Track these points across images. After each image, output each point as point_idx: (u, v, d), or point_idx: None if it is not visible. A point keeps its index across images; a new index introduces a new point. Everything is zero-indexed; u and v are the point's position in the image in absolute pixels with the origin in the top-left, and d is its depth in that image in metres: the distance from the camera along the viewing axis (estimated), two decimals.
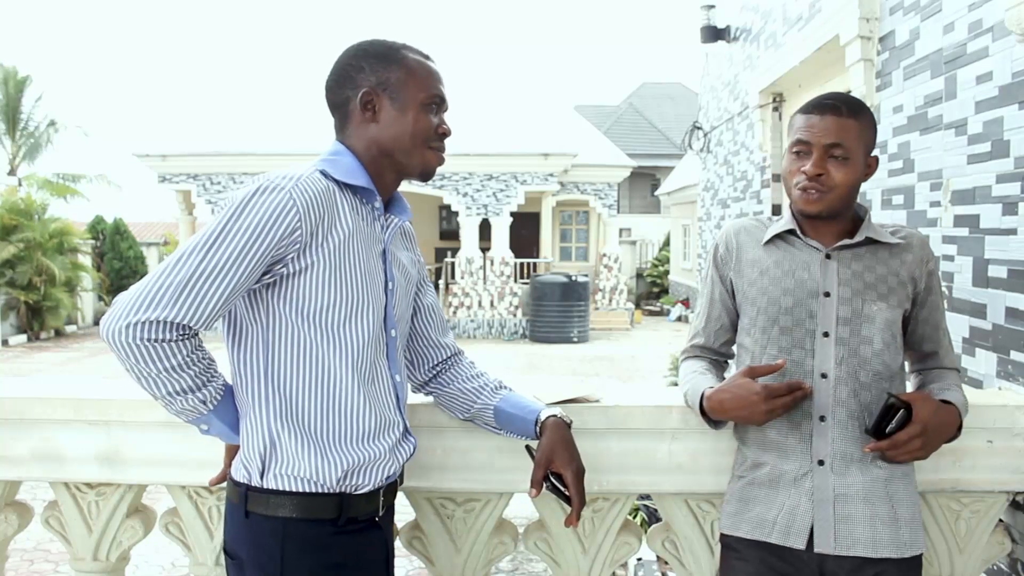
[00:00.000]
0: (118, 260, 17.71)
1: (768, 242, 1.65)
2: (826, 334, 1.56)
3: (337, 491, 1.38)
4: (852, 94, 3.51)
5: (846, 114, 1.52)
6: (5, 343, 13.99)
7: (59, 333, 15.37)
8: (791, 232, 1.63)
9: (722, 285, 1.72)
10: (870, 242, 1.60)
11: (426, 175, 1.47)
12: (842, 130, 1.51)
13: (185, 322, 1.25)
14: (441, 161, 1.48)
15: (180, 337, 1.26)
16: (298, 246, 1.30)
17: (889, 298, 1.57)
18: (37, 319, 14.76)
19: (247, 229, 1.26)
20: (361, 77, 1.41)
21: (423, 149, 1.44)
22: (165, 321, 1.23)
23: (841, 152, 1.52)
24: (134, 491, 1.91)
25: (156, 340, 1.24)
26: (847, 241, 1.59)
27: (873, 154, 1.59)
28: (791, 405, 1.52)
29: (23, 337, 14.52)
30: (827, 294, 1.57)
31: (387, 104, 1.41)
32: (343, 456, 1.37)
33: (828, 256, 1.59)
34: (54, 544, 4.46)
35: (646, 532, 1.99)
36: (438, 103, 1.45)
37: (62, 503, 1.92)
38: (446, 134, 1.47)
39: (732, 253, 1.70)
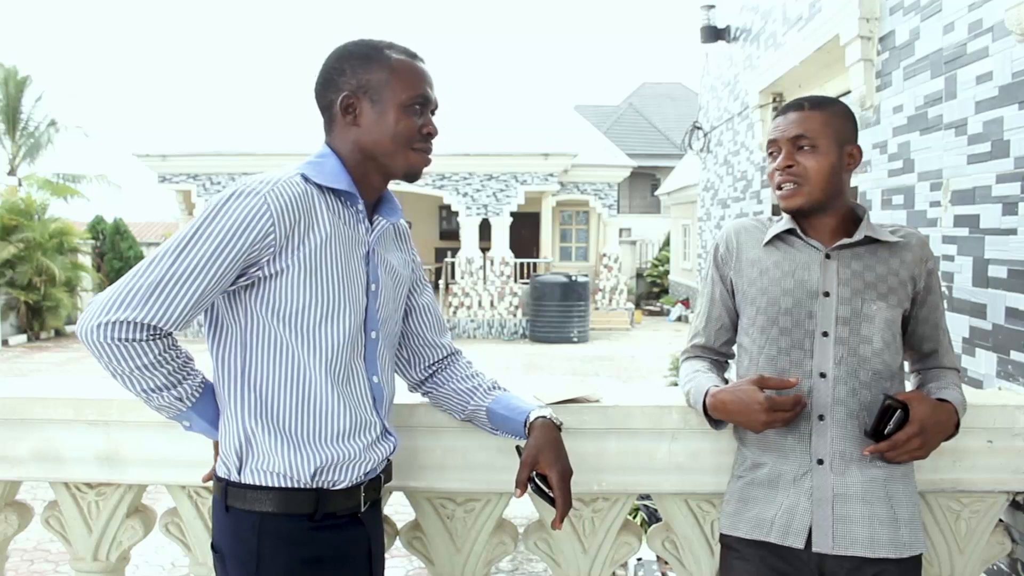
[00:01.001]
0: (118, 260, 17.71)
1: (768, 242, 1.66)
2: (825, 334, 1.57)
3: (313, 486, 1.39)
4: (852, 94, 3.52)
5: (808, 108, 1.59)
6: (5, 343, 13.99)
7: (59, 333, 15.37)
8: (791, 232, 1.64)
9: (722, 285, 1.73)
10: (870, 241, 1.60)
11: (411, 176, 1.46)
12: (804, 121, 1.58)
13: (154, 323, 1.27)
14: (426, 162, 1.47)
15: (151, 337, 1.28)
16: (272, 250, 1.31)
17: (889, 297, 1.58)
18: (37, 319, 14.76)
19: (219, 233, 1.28)
20: (343, 80, 1.41)
21: (406, 150, 1.42)
22: (135, 322, 1.26)
23: (807, 142, 1.57)
24: (134, 491, 1.92)
25: (126, 339, 1.27)
26: (847, 240, 1.59)
27: (857, 144, 1.61)
28: (790, 420, 1.53)
29: (23, 337, 14.52)
30: (826, 294, 1.58)
31: (367, 107, 1.40)
32: (316, 452, 1.39)
33: (828, 256, 1.60)
34: (54, 544, 4.46)
35: (646, 532, 1.99)
36: (422, 103, 1.42)
37: (62, 503, 1.92)
38: (431, 134, 1.45)
39: (732, 253, 1.70)
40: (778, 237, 1.65)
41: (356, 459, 1.43)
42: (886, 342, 1.57)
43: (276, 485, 1.38)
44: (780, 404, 1.50)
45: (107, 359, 1.28)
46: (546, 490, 1.47)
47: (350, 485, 1.43)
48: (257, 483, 1.38)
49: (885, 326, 1.57)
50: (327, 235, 1.37)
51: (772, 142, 1.62)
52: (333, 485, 1.41)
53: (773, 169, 1.62)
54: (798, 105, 1.60)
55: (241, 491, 1.38)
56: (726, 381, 1.70)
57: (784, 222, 1.65)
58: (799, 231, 1.63)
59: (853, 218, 1.64)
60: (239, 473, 1.39)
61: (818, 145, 1.56)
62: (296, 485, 1.38)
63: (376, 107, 1.40)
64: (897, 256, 1.60)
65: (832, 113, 1.59)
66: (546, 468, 1.46)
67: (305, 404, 1.38)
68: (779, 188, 1.61)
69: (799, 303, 1.59)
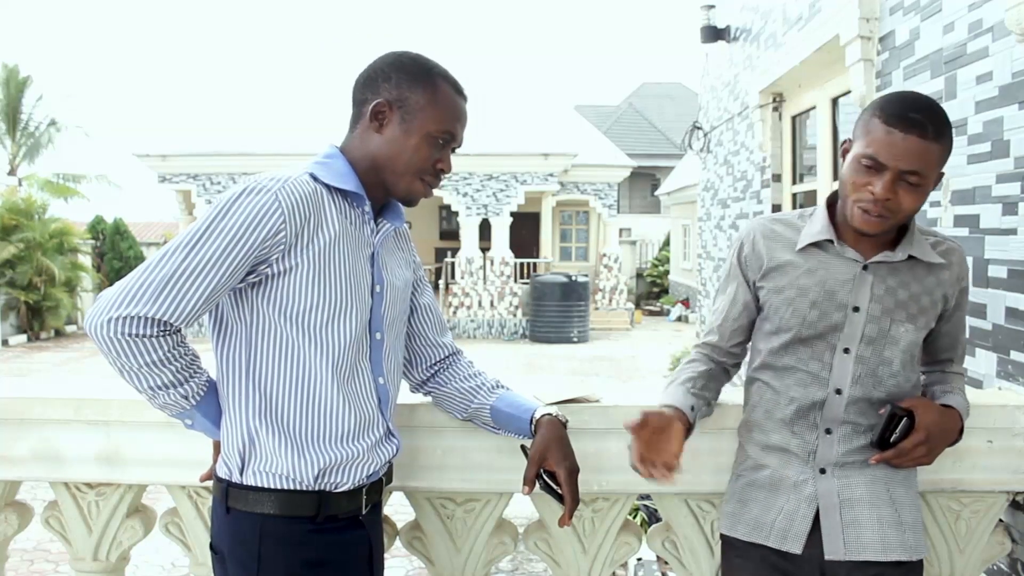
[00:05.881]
0: (118, 260, 17.72)
1: (801, 248, 1.57)
2: (847, 351, 1.52)
3: (315, 488, 1.39)
4: (852, 94, 3.52)
5: (931, 136, 1.37)
6: (5, 343, 13.98)
7: (59, 333, 15.37)
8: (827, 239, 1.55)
9: (746, 286, 1.64)
10: (910, 258, 1.52)
11: (409, 202, 1.49)
12: (923, 155, 1.37)
13: (166, 318, 1.26)
14: (428, 194, 1.49)
15: (161, 333, 1.28)
16: (282, 247, 1.31)
17: (917, 319, 1.52)
18: (37, 319, 14.76)
19: (231, 229, 1.28)
20: (385, 86, 1.41)
21: (413, 177, 1.44)
22: (146, 317, 1.25)
23: (916, 179, 1.39)
24: (134, 491, 1.91)
25: (137, 335, 1.26)
26: (888, 257, 1.51)
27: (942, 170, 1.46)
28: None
29: (23, 337, 14.52)
30: (856, 309, 1.52)
31: (396, 121, 1.41)
32: (320, 454, 1.38)
33: (865, 267, 1.52)
34: (54, 544, 4.46)
35: (646, 532, 1.99)
36: (447, 139, 1.44)
37: (62, 503, 1.92)
38: (444, 171, 1.47)
39: (758, 255, 1.61)
40: (813, 243, 1.56)
41: (360, 459, 1.43)
42: (904, 363, 1.54)
43: (278, 487, 1.37)
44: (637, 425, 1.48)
45: (115, 354, 1.27)
46: (554, 487, 1.48)
47: (352, 487, 1.43)
48: (259, 484, 1.38)
49: (907, 348, 1.53)
50: (336, 235, 1.37)
51: (877, 160, 1.39)
52: (335, 487, 1.41)
53: (864, 186, 1.42)
54: (921, 127, 1.36)
55: (243, 492, 1.38)
56: (709, 396, 1.67)
57: (821, 229, 1.54)
58: (837, 238, 1.53)
59: (899, 228, 1.53)
60: (241, 474, 1.38)
61: (924, 185, 1.39)
62: (298, 487, 1.38)
63: (404, 126, 1.41)
64: (934, 275, 1.53)
65: (946, 145, 1.41)
66: (554, 465, 1.47)
67: (310, 404, 1.37)
68: (863, 211, 1.43)
69: (825, 315, 1.52)
